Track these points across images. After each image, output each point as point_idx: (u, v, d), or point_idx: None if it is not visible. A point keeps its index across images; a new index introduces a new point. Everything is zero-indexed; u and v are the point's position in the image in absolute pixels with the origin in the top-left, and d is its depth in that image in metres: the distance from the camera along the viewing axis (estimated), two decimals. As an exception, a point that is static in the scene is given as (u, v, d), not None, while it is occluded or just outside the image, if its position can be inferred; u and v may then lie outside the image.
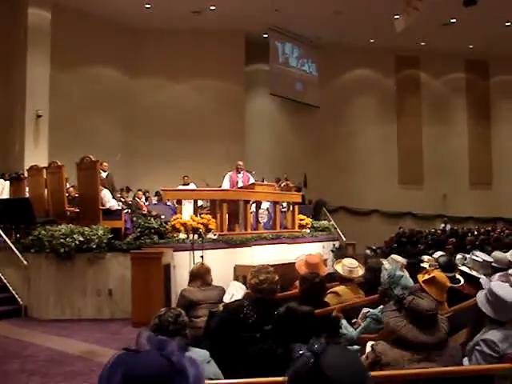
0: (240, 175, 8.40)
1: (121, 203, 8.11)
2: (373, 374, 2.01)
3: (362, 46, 15.87)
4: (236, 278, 6.31)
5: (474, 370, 2.28)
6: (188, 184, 9.69)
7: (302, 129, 15.83)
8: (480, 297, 2.78)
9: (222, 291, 3.95)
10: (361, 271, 4.34)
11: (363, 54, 16.06)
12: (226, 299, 3.61)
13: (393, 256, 4.86)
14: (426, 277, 3.58)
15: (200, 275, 4.05)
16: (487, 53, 16.52)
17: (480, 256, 4.91)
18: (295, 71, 15.49)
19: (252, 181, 8.39)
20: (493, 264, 4.93)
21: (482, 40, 15.36)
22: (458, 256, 5.18)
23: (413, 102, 17.01)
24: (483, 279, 4.00)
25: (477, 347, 2.59)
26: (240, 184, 8.25)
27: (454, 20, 14.26)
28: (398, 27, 13.06)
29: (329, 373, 1.14)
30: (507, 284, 3.10)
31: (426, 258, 5.32)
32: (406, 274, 4.17)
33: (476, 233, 12.58)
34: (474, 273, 4.44)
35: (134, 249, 6.13)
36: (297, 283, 4.34)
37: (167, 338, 0.98)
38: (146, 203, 9.86)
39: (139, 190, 9.93)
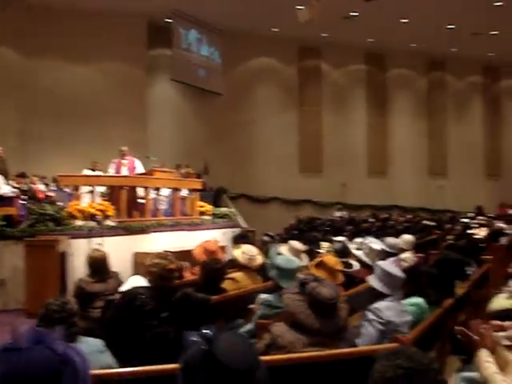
0: (125, 161, 8.29)
1: (15, 189, 7.85)
2: (266, 358, 2.07)
3: (266, 35, 16.27)
4: (135, 266, 6.33)
5: (361, 351, 2.38)
6: (95, 170, 9.42)
7: (204, 116, 15.97)
8: (370, 276, 3.09)
9: (120, 280, 3.95)
10: (260, 259, 4.42)
11: (266, 42, 16.50)
12: (125, 288, 3.59)
13: (291, 242, 5.01)
14: (316, 261, 3.80)
15: (97, 264, 4.04)
16: (385, 47, 17.79)
17: (374, 242, 5.24)
18: (198, 57, 15.50)
19: (139, 166, 8.34)
20: (385, 249, 5.27)
21: (380, 34, 16.46)
22: (355, 242, 5.58)
23: (314, 91, 17.82)
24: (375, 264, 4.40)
25: (365, 317, 2.85)
26: (124, 171, 8.15)
27: (355, 13, 15.19)
28: (301, 18, 13.65)
29: (222, 359, 1.17)
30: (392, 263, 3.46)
31: (323, 244, 5.55)
32: (304, 259, 4.55)
33: (372, 220, 13.54)
34: (366, 259, 4.71)
35: (27, 237, 6.00)
36: (194, 270, 4.46)
37: (46, 329, 0.96)
38: (45, 189, 9.54)
39: (34, 176, 9.64)
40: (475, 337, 2.41)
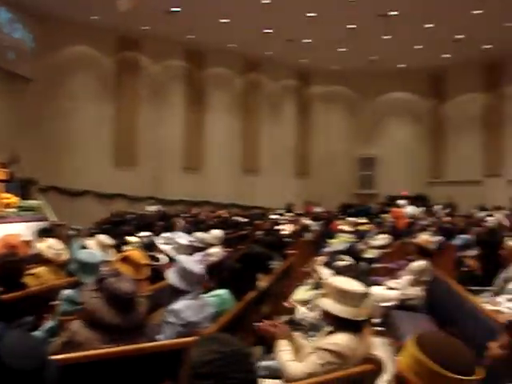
0: None
1: None
2: (62, 356, 2.53)
3: (84, 23, 19.88)
4: None
5: (161, 346, 2.97)
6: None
7: (14, 102, 18.50)
8: (170, 271, 3.77)
9: None
10: (66, 254, 5.16)
11: (85, 30, 20.13)
12: None
13: (98, 237, 5.88)
14: (121, 256, 4.53)
15: None
16: (204, 44, 22.67)
17: (181, 237, 6.48)
18: (9, 39, 18.26)
19: None
20: (193, 244, 6.58)
21: (201, 32, 20.97)
22: (163, 237, 6.74)
23: (132, 84, 22.12)
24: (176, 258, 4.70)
25: (165, 319, 3.50)
26: None
27: (177, 9, 19.03)
28: (121, 7, 16.93)
29: (5, 360, 1.41)
30: (193, 258, 4.40)
31: (131, 238, 6.55)
32: (112, 254, 5.46)
33: (185, 215, 16.53)
34: (173, 253, 5.74)
35: None
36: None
37: None
38: None
39: None
40: (273, 329, 3.34)
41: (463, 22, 18.96)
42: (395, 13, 18.51)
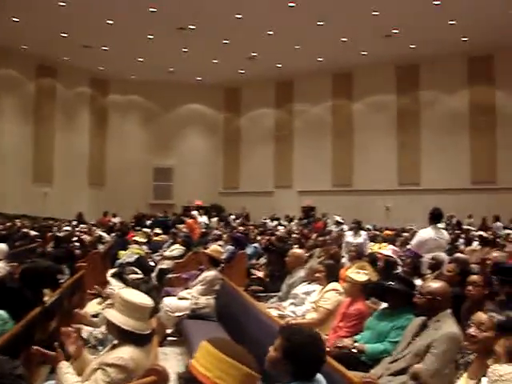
0: None
1: None
2: None
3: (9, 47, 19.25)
4: None
5: None
6: None
7: None
8: None
9: None
10: None
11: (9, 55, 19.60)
12: None
13: None
14: None
15: None
16: (109, 74, 22.20)
17: None
18: None
19: None
20: None
21: (109, 63, 20.60)
22: None
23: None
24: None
25: None
26: None
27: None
28: None
29: None
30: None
31: None
32: None
33: None
34: None
35: None
36: None
37: None
38: None
39: None
40: (50, 353, 3.15)
41: (258, 40, 20.01)
42: (193, 27, 18.93)
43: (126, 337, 3.15)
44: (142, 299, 3.28)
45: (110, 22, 19.04)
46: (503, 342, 2.79)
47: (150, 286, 4.50)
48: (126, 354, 3.07)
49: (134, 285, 4.33)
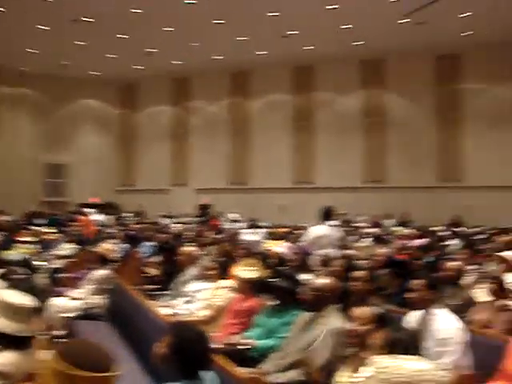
0: None
1: None
2: None
3: None
4: None
5: None
6: None
7: None
8: None
9: None
10: None
11: None
12: None
13: None
14: None
15: None
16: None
17: None
18: None
19: None
20: None
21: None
22: None
23: None
24: None
25: None
26: None
27: None
28: None
29: None
30: None
31: None
32: None
33: None
34: None
35: None
36: None
37: None
38: None
39: None
40: None
41: (155, 36, 19.79)
42: (89, 19, 18.41)
43: (5, 340, 3.03)
44: (21, 299, 3.18)
45: (1, 9, 17.98)
46: (380, 335, 2.94)
47: (31, 285, 4.36)
48: (6, 359, 2.95)
49: (14, 284, 4.18)
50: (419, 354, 2.80)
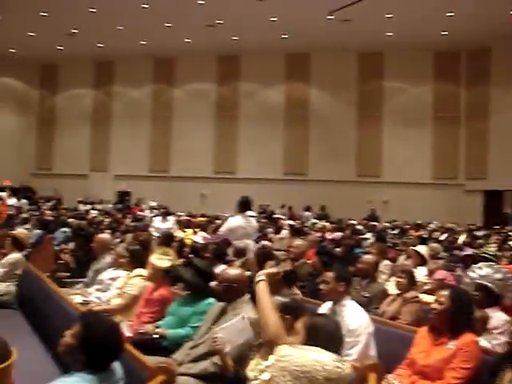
0: None
1: None
2: None
3: None
4: None
5: None
6: None
7: None
8: None
9: None
10: None
11: None
12: None
13: None
14: None
15: None
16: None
17: None
18: None
19: None
20: None
21: None
22: None
23: None
24: None
25: None
26: None
27: None
28: None
29: None
30: None
31: None
32: None
33: None
34: None
35: None
36: None
37: None
38: None
39: None
40: None
41: (79, 17, 19.23)
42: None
43: None
44: None
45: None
46: (300, 322, 3.04)
47: None
48: None
49: None
50: (340, 344, 2.92)
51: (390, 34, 19.67)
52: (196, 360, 3.85)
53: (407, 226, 15.85)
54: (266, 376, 2.02)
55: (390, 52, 21.72)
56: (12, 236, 6.90)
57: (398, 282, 5.34)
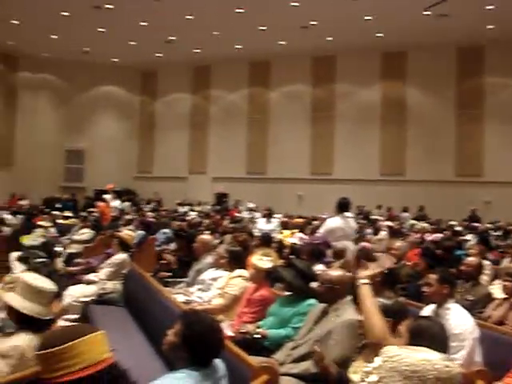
0: None
1: None
2: None
3: None
4: None
5: None
6: None
7: None
8: None
9: None
10: None
11: None
12: None
13: None
14: None
15: None
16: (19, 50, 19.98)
17: None
18: None
19: None
20: None
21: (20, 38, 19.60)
22: None
23: None
24: None
25: None
26: None
27: None
28: None
29: None
30: None
31: None
32: None
33: None
34: None
35: None
36: None
37: None
38: None
39: None
40: None
41: (176, 24, 19.79)
42: (111, 6, 18.45)
43: (24, 322, 3.09)
44: (44, 283, 3.22)
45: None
46: (404, 325, 2.97)
47: (51, 270, 4.42)
48: (22, 341, 3.01)
49: (35, 268, 4.24)
50: (445, 347, 2.83)
51: (491, 26, 18.79)
52: (297, 360, 3.83)
53: (511, 228, 15.07)
54: (373, 378, 1.95)
55: (491, 46, 20.73)
56: (118, 237, 7.16)
57: (505, 285, 5.08)
